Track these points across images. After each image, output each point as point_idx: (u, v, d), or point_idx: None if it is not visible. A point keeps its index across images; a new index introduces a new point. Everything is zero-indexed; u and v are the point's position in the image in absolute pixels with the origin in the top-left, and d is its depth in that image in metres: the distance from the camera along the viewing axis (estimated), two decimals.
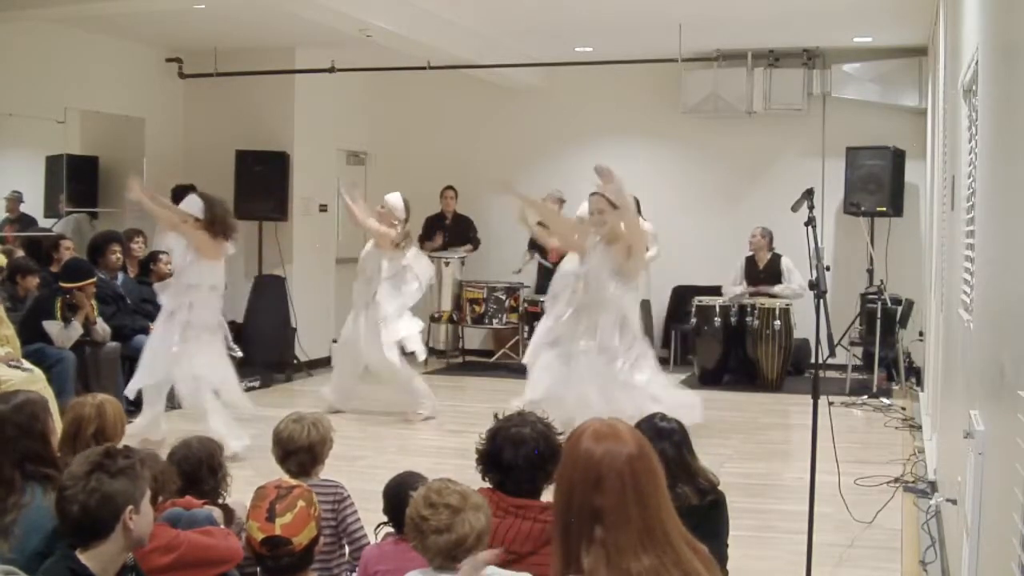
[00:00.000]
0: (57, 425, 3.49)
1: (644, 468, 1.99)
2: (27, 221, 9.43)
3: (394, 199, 8.23)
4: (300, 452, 3.67)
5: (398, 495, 3.27)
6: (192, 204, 6.89)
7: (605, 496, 1.95)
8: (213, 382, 6.80)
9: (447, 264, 10.87)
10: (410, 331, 8.13)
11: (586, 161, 10.92)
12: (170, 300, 6.93)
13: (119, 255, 8.17)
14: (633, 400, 6.46)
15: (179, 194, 9.54)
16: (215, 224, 6.82)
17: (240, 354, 8.94)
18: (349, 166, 11.52)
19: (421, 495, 2.56)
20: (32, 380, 6.34)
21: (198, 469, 3.54)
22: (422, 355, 8.50)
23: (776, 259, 9.87)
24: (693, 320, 9.87)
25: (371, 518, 3.57)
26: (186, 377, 6.75)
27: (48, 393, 6.53)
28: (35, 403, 3.20)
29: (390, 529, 3.36)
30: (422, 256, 8.55)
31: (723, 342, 9.77)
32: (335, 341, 10.75)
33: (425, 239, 10.96)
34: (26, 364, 6.54)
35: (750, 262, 9.99)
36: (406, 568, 2.70)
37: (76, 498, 2.47)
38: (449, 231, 11.07)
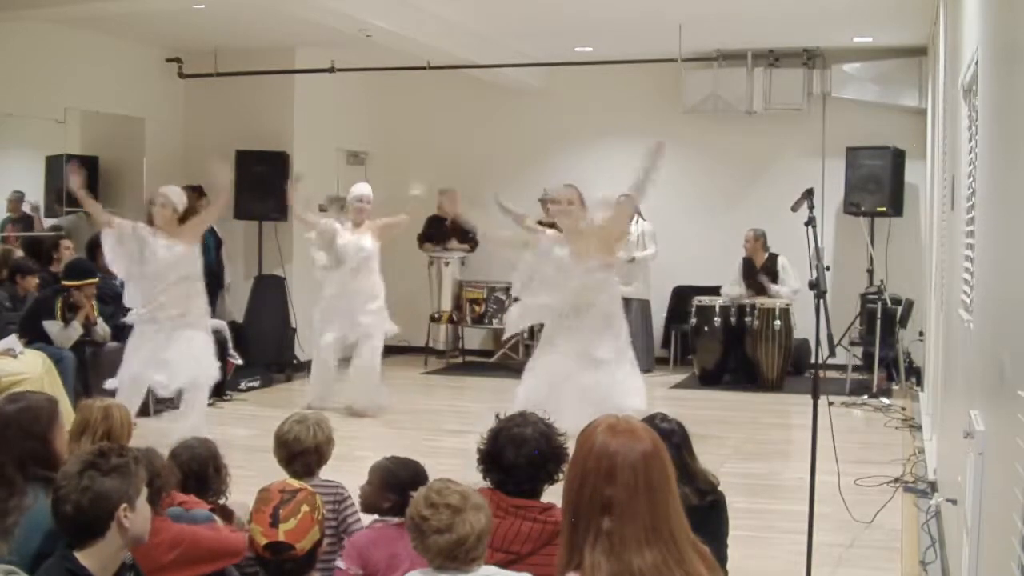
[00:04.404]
0: (70, 419, 3.50)
1: (657, 466, 2.02)
2: (27, 221, 9.45)
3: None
4: (307, 453, 3.68)
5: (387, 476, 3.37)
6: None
7: (616, 488, 1.98)
8: None
9: (447, 264, 10.88)
10: None
11: (586, 161, 11.02)
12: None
13: None
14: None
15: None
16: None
17: (240, 361, 8.96)
18: (349, 166, 11.52)
19: (422, 495, 2.56)
20: (39, 377, 6.39)
21: (205, 468, 3.55)
22: None
23: (773, 259, 9.87)
24: (693, 320, 9.87)
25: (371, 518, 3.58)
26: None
27: (55, 380, 6.57)
28: (40, 406, 3.19)
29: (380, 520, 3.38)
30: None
31: (723, 342, 9.77)
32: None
33: (425, 239, 10.96)
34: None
35: (747, 263, 10.00)
36: (405, 552, 2.69)
37: (69, 497, 2.47)
38: (450, 231, 11.07)
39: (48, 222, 9.56)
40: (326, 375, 8.47)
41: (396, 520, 3.21)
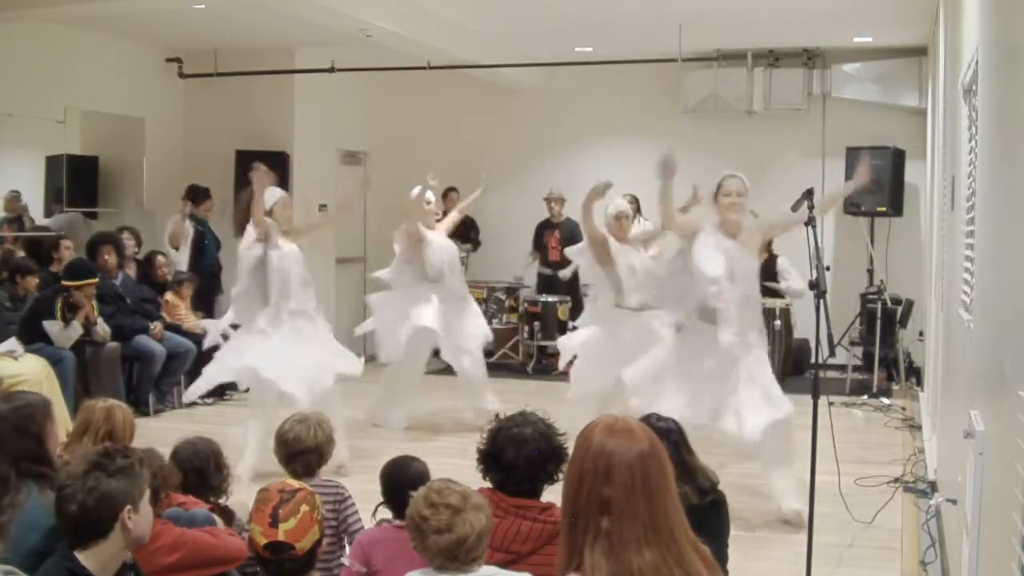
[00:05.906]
0: (67, 424, 3.49)
1: (655, 466, 2.02)
2: (22, 220, 9.43)
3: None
4: (307, 453, 3.68)
5: (392, 477, 3.39)
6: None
7: (614, 488, 1.98)
8: None
9: None
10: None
11: (586, 161, 11.02)
12: None
13: (112, 257, 8.17)
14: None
15: (194, 194, 9.59)
16: None
17: None
18: (348, 166, 11.52)
19: (422, 495, 2.56)
20: (38, 380, 6.39)
21: (207, 466, 3.55)
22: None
23: (772, 259, 9.84)
24: None
25: (372, 519, 3.58)
26: None
27: (54, 385, 6.57)
28: (33, 404, 3.20)
29: (388, 514, 3.38)
30: None
31: None
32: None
33: None
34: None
35: None
36: (405, 555, 2.70)
37: (74, 497, 2.47)
38: (451, 232, 11.03)
39: (40, 222, 9.54)
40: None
41: (400, 522, 3.22)
